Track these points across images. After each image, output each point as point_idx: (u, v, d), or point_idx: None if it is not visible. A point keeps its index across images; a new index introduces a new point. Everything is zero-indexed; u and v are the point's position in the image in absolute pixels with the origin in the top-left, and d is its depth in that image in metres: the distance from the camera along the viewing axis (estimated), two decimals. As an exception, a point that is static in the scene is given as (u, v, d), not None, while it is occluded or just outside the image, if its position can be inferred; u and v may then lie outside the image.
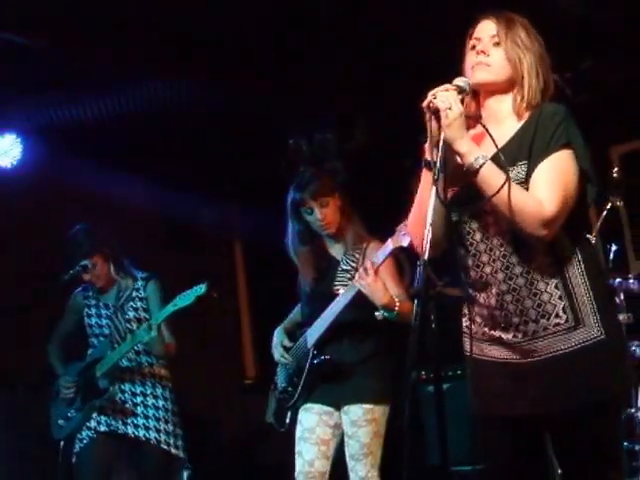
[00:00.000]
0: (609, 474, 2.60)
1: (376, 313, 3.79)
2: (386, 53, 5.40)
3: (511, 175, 2.53)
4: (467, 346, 2.72)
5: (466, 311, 2.75)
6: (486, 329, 2.70)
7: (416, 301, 2.38)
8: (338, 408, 3.99)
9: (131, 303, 4.59)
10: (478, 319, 2.72)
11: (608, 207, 4.80)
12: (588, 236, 2.65)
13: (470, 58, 2.73)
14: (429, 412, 5.01)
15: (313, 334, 3.99)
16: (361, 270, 3.73)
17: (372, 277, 3.68)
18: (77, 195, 5.87)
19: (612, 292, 4.56)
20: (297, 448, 3.99)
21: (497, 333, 2.67)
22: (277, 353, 4.16)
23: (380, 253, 3.76)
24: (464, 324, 2.76)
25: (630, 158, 5.80)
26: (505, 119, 2.71)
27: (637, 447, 4.52)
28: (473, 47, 2.73)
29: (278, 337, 4.19)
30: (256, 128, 6.21)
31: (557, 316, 2.59)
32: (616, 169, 5.02)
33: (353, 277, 3.87)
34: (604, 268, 4.48)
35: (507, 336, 2.65)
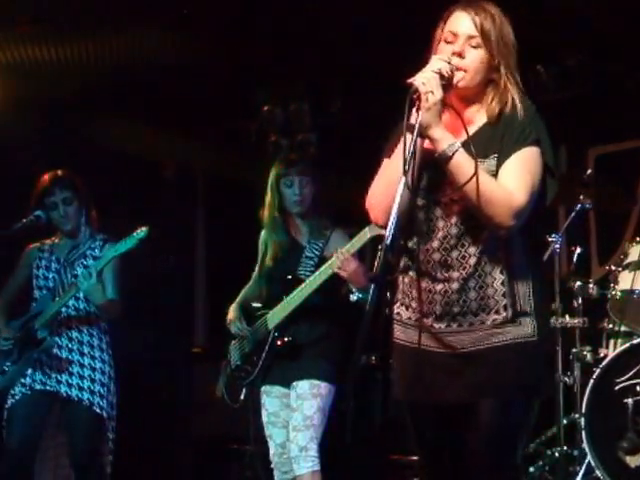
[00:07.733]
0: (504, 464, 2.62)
1: (351, 296, 4.01)
2: (370, 32, 5.31)
3: (483, 167, 2.53)
4: (397, 333, 2.70)
5: (399, 296, 2.73)
6: (419, 315, 2.67)
7: (373, 286, 2.36)
8: (290, 387, 4.09)
9: (82, 260, 4.49)
10: (413, 304, 2.68)
11: (577, 208, 4.76)
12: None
13: (444, 53, 2.60)
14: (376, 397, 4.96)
15: (274, 317, 4.14)
16: (342, 259, 3.88)
17: (355, 264, 3.88)
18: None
19: (551, 296, 4.60)
20: (267, 432, 4.15)
21: (429, 321, 2.65)
22: (235, 327, 4.26)
23: (357, 240, 3.92)
24: (395, 310, 2.73)
25: (606, 161, 5.70)
26: (473, 115, 2.66)
27: (575, 452, 4.55)
28: (447, 41, 2.61)
29: (235, 312, 4.30)
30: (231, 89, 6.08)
31: (497, 312, 2.60)
32: (589, 171, 4.98)
33: (317, 265, 4.08)
34: (545, 270, 4.41)
35: (440, 325, 2.64)
